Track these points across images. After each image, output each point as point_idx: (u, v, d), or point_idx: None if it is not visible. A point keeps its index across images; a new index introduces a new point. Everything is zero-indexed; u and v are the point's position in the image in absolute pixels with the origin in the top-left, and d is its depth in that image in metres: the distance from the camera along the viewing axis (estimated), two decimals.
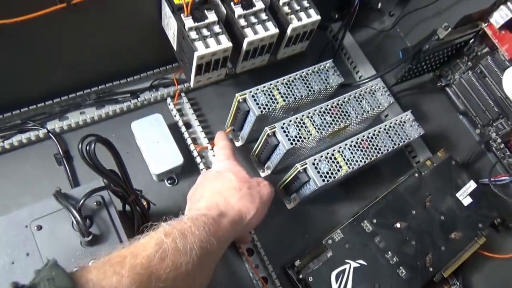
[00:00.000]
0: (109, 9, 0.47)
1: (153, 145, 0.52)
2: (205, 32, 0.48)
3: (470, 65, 0.66)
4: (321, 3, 0.55)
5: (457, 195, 0.59)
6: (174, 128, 0.56)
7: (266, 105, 0.51)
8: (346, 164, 0.51)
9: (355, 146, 0.52)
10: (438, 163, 0.61)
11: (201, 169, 0.54)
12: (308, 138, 0.50)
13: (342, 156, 0.51)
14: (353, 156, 0.52)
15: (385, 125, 0.55)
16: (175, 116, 0.57)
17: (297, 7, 0.53)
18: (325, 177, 0.49)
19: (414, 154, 0.64)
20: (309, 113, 0.52)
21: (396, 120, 0.56)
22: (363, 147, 0.53)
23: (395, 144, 0.54)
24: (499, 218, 0.61)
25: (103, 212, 0.38)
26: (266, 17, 0.51)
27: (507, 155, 0.66)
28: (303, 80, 0.54)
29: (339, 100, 0.54)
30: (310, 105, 0.55)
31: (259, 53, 0.53)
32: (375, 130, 0.54)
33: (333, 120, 0.53)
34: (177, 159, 0.52)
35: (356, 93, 0.56)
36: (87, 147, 0.35)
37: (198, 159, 0.55)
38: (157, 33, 0.54)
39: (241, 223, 0.42)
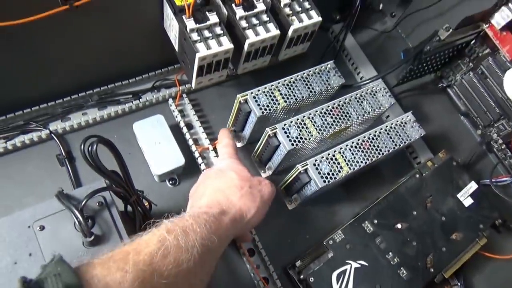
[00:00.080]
0: (111, 11, 0.48)
1: (154, 146, 0.53)
2: (206, 33, 0.48)
3: (471, 66, 0.66)
4: (323, 4, 0.55)
5: (458, 196, 0.59)
6: (175, 129, 0.56)
7: (267, 106, 0.51)
8: (347, 165, 0.51)
9: (356, 147, 0.52)
10: (439, 164, 0.61)
11: (203, 170, 0.55)
12: (309, 139, 0.51)
13: (343, 157, 0.51)
14: (354, 157, 0.52)
15: (386, 126, 0.55)
16: (176, 117, 0.58)
17: (298, 9, 0.53)
18: (326, 178, 0.49)
19: (415, 155, 0.65)
20: (310, 114, 0.52)
21: (397, 121, 0.56)
22: (364, 148, 0.53)
23: (396, 145, 0.54)
24: (500, 219, 0.61)
25: (105, 213, 0.38)
26: (267, 19, 0.51)
27: (508, 156, 0.66)
28: (304, 81, 0.54)
29: (340, 101, 0.54)
30: (311, 106, 0.55)
31: (261, 54, 0.54)
32: (376, 131, 0.54)
33: (334, 121, 0.53)
34: (179, 160, 0.52)
35: (357, 94, 0.56)
36: (89, 148, 0.35)
37: (200, 160, 0.55)
38: (159, 35, 0.54)
39: (241, 221, 0.42)
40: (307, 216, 0.57)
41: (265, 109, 0.50)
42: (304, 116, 0.52)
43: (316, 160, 0.50)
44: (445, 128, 0.70)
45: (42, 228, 0.36)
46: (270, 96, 0.51)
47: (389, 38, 0.71)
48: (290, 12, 0.52)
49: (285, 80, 0.53)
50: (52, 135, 0.52)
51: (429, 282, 0.54)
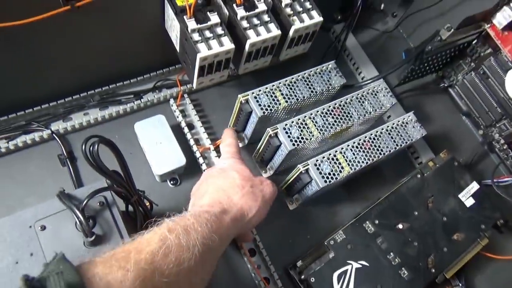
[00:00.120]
0: (112, 11, 0.48)
1: (156, 146, 0.53)
2: (207, 33, 0.48)
3: (473, 66, 0.66)
4: (324, 4, 0.55)
5: (460, 196, 0.59)
6: (177, 129, 0.56)
7: (269, 106, 0.51)
8: (348, 165, 0.51)
9: (357, 147, 0.52)
10: (441, 164, 0.61)
11: (204, 170, 0.55)
12: (310, 139, 0.51)
13: (344, 157, 0.51)
14: (355, 157, 0.52)
15: (388, 126, 0.55)
16: (178, 117, 0.58)
17: (299, 9, 0.53)
18: (327, 178, 0.49)
19: (417, 155, 0.64)
20: (311, 114, 0.52)
21: (399, 121, 0.56)
22: (365, 148, 0.53)
23: (397, 145, 0.54)
24: (502, 219, 0.61)
25: (106, 213, 0.38)
26: (269, 19, 0.51)
27: (510, 156, 0.66)
28: (305, 81, 0.54)
29: (341, 101, 0.54)
30: (312, 106, 0.55)
31: (262, 54, 0.54)
32: (377, 131, 0.54)
33: (335, 121, 0.53)
34: (180, 160, 0.52)
35: (358, 94, 0.56)
36: (90, 148, 0.35)
37: (201, 160, 0.55)
38: (160, 35, 0.54)
39: (242, 221, 0.43)
40: (308, 216, 0.57)
41: (266, 109, 0.50)
42: (305, 116, 0.51)
43: (317, 160, 0.50)
44: (447, 128, 0.69)
45: (43, 228, 0.36)
46: (271, 96, 0.51)
47: (390, 38, 0.71)
48: (291, 12, 0.52)
49: (286, 80, 0.53)
50: (54, 135, 0.52)
51: (431, 282, 0.54)
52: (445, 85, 0.71)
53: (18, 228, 0.35)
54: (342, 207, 0.59)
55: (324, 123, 0.52)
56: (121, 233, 0.37)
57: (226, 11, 0.50)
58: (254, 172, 0.57)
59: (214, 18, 0.48)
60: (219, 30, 0.49)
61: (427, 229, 0.56)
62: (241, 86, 0.62)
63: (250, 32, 0.50)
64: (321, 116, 0.52)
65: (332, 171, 0.50)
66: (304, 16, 0.53)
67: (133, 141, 0.55)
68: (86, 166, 0.36)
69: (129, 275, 0.29)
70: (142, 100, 0.57)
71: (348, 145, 0.52)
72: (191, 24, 0.47)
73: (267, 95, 0.51)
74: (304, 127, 0.51)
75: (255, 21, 0.50)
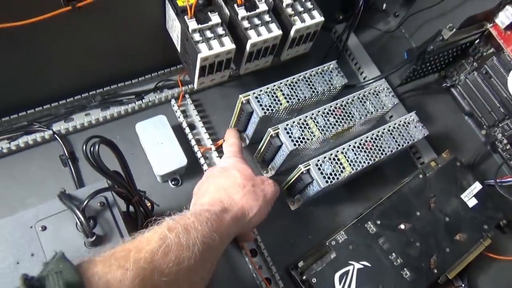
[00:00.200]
0: (113, 12, 0.48)
1: (157, 146, 0.53)
2: (208, 34, 0.48)
3: (476, 65, 0.66)
4: (325, 4, 0.55)
5: (462, 196, 0.59)
6: (178, 130, 0.56)
7: (270, 106, 0.51)
8: (350, 165, 0.51)
9: (358, 147, 0.52)
10: (443, 164, 0.61)
11: (205, 170, 0.55)
12: (312, 139, 0.50)
13: (345, 157, 0.51)
14: (357, 157, 0.51)
15: (389, 126, 0.55)
16: (179, 117, 0.58)
17: (300, 9, 0.53)
18: (329, 178, 0.49)
19: (419, 155, 0.64)
20: (312, 114, 0.52)
21: (401, 121, 0.56)
22: (367, 148, 0.52)
23: (399, 145, 0.54)
24: (505, 220, 0.60)
25: (107, 213, 0.38)
26: (270, 19, 0.51)
27: None
28: (306, 81, 0.54)
29: (343, 101, 0.54)
30: (313, 106, 0.55)
31: (263, 54, 0.54)
32: (379, 131, 0.54)
33: (336, 121, 0.53)
34: (181, 160, 0.52)
35: (360, 94, 0.56)
36: (91, 149, 0.35)
37: (202, 160, 0.55)
38: (161, 35, 0.54)
39: (243, 220, 0.42)
40: (310, 216, 0.57)
41: (267, 109, 0.50)
42: (306, 116, 0.51)
43: (318, 161, 0.50)
44: (449, 128, 0.69)
45: (44, 228, 0.36)
46: (272, 96, 0.51)
47: (392, 38, 0.71)
48: (292, 12, 0.52)
49: (287, 80, 0.53)
50: (55, 135, 0.52)
51: (433, 283, 0.53)
52: (448, 85, 0.71)
53: (20, 228, 0.36)
54: (344, 208, 0.59)
55: (326, 123, 0.52)
56: (121, 234, 0.37)
57: (227, 11, 0.50)
58: (256, 172, 0.57)
59: (215, 18, 0.48)
60: (220, 30, 0.48)
61: (429, 229, 0.56)
62: (242, 86, 0.62)
63: (251, 32, 0.50)
64: (322, 116, 0.52)
65: (333, 171, 0.50)
66: (305, 16, 0.53)
67: (135, 141, 0.55)
68: (88, 166, 0.36)
69: (128, 274, 0.29)
70: (143, 100, 0.57)
71: (349, 145, 0.52)
72: (192, 24, 0.47)
73: (268, 95, 0.51)
74: (305, 127, 0.51)
75: (256, 21, 0.50)
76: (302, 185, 0.52)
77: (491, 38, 0.62)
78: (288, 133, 0.50)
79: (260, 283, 0.51)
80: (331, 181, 0.49)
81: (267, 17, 0.51)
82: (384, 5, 0.72)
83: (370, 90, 0.57)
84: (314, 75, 0.55)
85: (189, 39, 0.47)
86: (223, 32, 0.49)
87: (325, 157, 0.50)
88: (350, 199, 0.59)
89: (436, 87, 0.72)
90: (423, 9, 0.63)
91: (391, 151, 0.53)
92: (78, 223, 0.35)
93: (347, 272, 0.51)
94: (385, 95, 0.57)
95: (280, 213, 0.55)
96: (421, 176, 0.59)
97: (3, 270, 0.34)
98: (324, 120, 0.52)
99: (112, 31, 0.50)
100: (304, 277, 0.50)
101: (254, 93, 0.51)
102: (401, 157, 0.63)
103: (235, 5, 0.50)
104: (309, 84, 0.54)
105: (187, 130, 0.57)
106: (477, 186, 0.60)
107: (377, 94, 0.57)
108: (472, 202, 0.59)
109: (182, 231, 0.34)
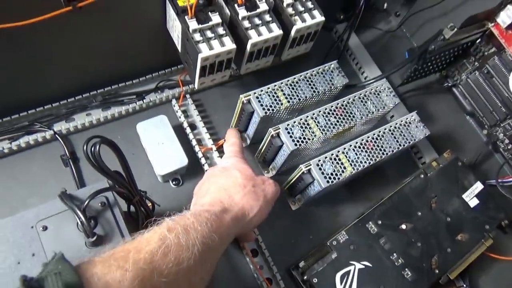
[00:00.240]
0: (114, 12, 0.48)
1: (158, 146, 0.53)
2: (209, 34, 0.48)
3: (477, 65, 0.66)
4: (326, 4, 0.55)
5: (464, 196, 0.59)
6: (179, 130, 0.56)
7: (271, 106, 0.51)
8: (351, 165, 0.51)
9: (359, 147, 0.52)
10: (444, 164, 0.61)
11: (206, 170, 0.55)
12: (313, 139, 0.50)
13: (346, 157, 0.51)
14: (358, 157, 0.51)
15: (390, 126, 0.55)
16: (180, 117, 0.58)
17: (301, 9, 0.53)
18: (330, 178, 0.49)
19: (420, 155, 0.64)
20: (313, 114, 0.52)
21: (402, 121, 0.56)
22: (368, 148, 0.52)
23: (400, 145, 0.54)
24: (507, 220, 0.60)
25: (108, 213, 0.38)
26: (270, 19, 0.51)
27: None
28: (307, 81, 0.54)
29: (343, 101, 0.54)
30: (314, 106, 0.55)
31: (263, 54, 0.54)
32: (380, 131, 0.54)
33: (337, 121, 0.53)
34: (182, 160, 0.52)
35: (361, 94, 0.55)
36: (92, 149, 0.35)
37: (203, 160, 0.55)
38: (162, 35, 0.54)
39: (243, 220, 0.42)
40: (311, 216, 0.57)
41: (268, 109, 0.50)
42: (307, 116, 0.51)
43: (319, 161, 0.50)
44: (451, 128, 0.69)
45: (45, 228, 0.36)
46: (273, 96, 0.51)
47: (393, 38, 0.71)
48: (293, 12, 0.52)
49: (288, 80, 0.53)
50: (56, 135, 0.53)
51: (434, 283, 0.53)
52: (449, 84, 0.71)
53: (21, 228, 0.36)
54: (345, 208, 0.58)
55: (327, 123, 0.52)
56: (122, 234, 0.37)
57: (227, 11, 0.50)
58: (257, 172, 0.57)
59: (216, 18, 0.48)
60: (221, 30, 0.48)
61: (431, 229, 0.56)
62: (243, 86, 0.62)
63: (252, 32, 0.50)
64: (323, 116, 0.52)
65: (334, 171, 0.50)
66: (306, 15, 0.53)
67: (135, 141, 0.55)
68: (89, 166, 0.36)
69: (128, 275, 0.29)
70: (144, 100, 0.57)
71: (350, 145, 0.52)
72: (193, 24, 0.47)
73: (269, 95, 0.51)
74: (306, 127, 0.51)
75: (257, 21, 0.50)
76: (303, 185, 0.52)
77: (492, 37, 0.62)
78: (289, 133, 0.50)
79: (261, 283, 0.51)
80: (332, 181, 0.49)
81: (267, 17, 0.51)
82: (385, 5, 0.71)
83: (371, 90, 0.56)
84: (315, 75, 0.55)
85: (190, 39, 0.47)
86: (224, 32, 0.49)
87: (326, 157, 0.50)
88: (351, 199, 0.59)
89: (438, 87, 0.72)
90: (424, 9, 0.63)
91: (392, 151, 0.53)
92: (79, 223, 0.35)
93: (348, 272, 0.51)
94: (386, 95, 0.57)
95: (281, 213, 0.55)
96: (422, 176, 0.59)
97: (4, 270, 0.34)
98: (325, 120, 0.52)
99: (113, 31, 0.50)
100: (305, 277, 0.50)
101: (255, 93, 0.51)
102: (402, 157, 0.63)
103: (236, 5, 0.50)
104: (310, 84, 0.54)
105: (188, 130, 0.57)
106: (478, 186, 0.60)
107: (378, 94, 0.57)
108: (473, 202, 0.59)
109: (181, 232, 0.34)
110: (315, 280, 0.50)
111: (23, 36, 0.44)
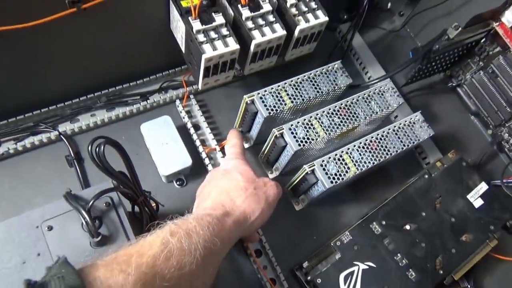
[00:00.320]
0: (118, 13, 0.48)
1: (162, 146, 0.53)
2: (212, 34, 0.48)
3: (482, 65, 0.66)
4: (330, 4, 0.55)
5: (468, 196, 0.59)
6: (183, 130, 0.56)
7: (274, 106, 0.51)
8: (355, 165, 0.51)
9: (363, 147, 0.52)
10: (449, 164, 0.60)
11: (210, 171, 0.55)
12: (316, 139, 0.50)
13: (350, 157, 0.51)
14: (362, 158, 0.51)
15: (395, 126, 0.55)
16: (184, 118, 0.58)
17: (304, 9, 0.53)
18: (333, 178, 0.49)
19: (424, 155, 0.64)
20: (317, 114, 0.52)
21: (406, 121, 0.56)
22: (372, 149, 0.52)
23: (404, 145, 0.54)
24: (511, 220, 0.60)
25: (112, 213, 0.38)
26: (274, 19, 0.51)
27: None
28: (311, 81, 0.54)
29: (347, 101, 0.54)
30: (318, 106, 0.55)
31: (267, 55, 0.54)
32: (384, 131, 0.54)
33: (341, 122, 0.53)
34: (186, 161, 0.53)
35: (365, 94, 0.55)
36: (97, 149, 0.35)
37: (207, 161, 0.55)
38: (166, 36, 0.54)
39: (245, 224, 0.42)
40: (315, 217, 0.57)
41: (272, 110, 0.50)
42: (311, 117, 0.51)
43: (323, 161, 0.50)
44: (455, 128, 0.69)
45: (50, 228, 0.36)
46: (277, 96, 0.51)
47: (397, 37, 0.71)
48: (297, 12, 0.52)
49: (291, 81, 0.53)
50: (61, 136, 0.53)
51: (438, 284, 0.53)
52: (453, 84, 0.70)
53: (26, 228, 0.36)
54: (349, 208, 0.58)
55: (330, 124, 0.52)
56: (127, 234, 0.38)
57: (231, 11, 0.50)
58: (260, 173, 0.57)
59: (219, 19, 0.48)
60: (224, 31, 0.49)
61: (435, 230, 0.55)
62: (246, 87, 0.62)
63: (255, 33, 0.50)
64: (327, 116, 0.52)
65: (338, 171, 0.49)
66: (310, 16, 0.53)
67: (139, 142, 0.55)
68: (93, 167, 0.36)
69: (130, 279, 0.29)
70: (148, 101, 0.58)
71: (354, 146, 0.52)
72: (196, 25, 0.47)
73: (272, 96, 0.51)
74: (310, 128, 0.51)
75: (260, 21, 0.50)
76: (306, 186, 0.52)
77: (497, 37, 0.61)
78: (292, 133, 0.50)
79: (265, 284, 0.51)
80: (336, 182, 0.49)
81: (271, 17, 0.51)
82: (389, 4, 0.71)
83: (375, 90, 0.56)
84: (319, 75, 0.55)
85: (194, 40, 0.47)
86: (227, 32, 0.49)
87: (329, 158, 0.50)
88: (355, 200, 0.59)
89: (442, 87, 0.72)
90: (428, 8, 0.63)
91: (396, 151, 0.53)
92: (84, 223, 0.35)
93: (352, 273, 0.51)
94: (390, 95, 0.57)
95: (284, 214, 0.55)
96: (426, 176, 0.59)
97: (9, 270, 0.34)
98: (329, 120, 0.52)
99: (117, 32, 0.51)
100: (309, 278, 0.50)
101: (258, 93, 0.51)
102: (407, 157, 0.63)
103: (239, 6, 0.50)
104: (313, 84, 0.54)
105: (192, 130, 0.57)
106: (483, 187, 0.60)
107: (382, 94, 0.56)
108: (478, 203, 0.59)
109: (184, 236, 0.34)
110: (319, 280, 0.50)
111: (28, 38, 0.44)
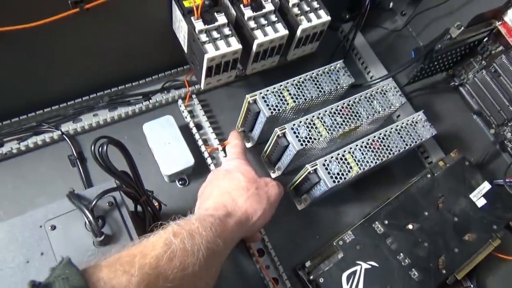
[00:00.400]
0: (120, 13, 0.48)
1: (164, 146, 0.53)
2: (215, 34, 0.48)
3: (484, 64, 0.65)
4: (332, 4, 0.55)
5: (471, 196, 0.59)
6: (185, 130, 0.56)
7: (276, 106, 0.51)
8: (357, 165, 0.51)
9: (366, 147, 0.52)
10: (451, 163, 0.60)
11: (211, 171, 0.55)
12: (319, 139, 0.50)
13: (353, 157, 0.51)
14: (364, 157, 0.51)
15: (397, 126, 0.55)
16: (186, 117, 0.58)
17: (306, 8, 0.53)
18: (336, 178, 0.49)
19: (427, 155, 0.64)
20: (319, 114, 0.52)
21: (408, 121, 0.56)
22: (374, 148, 0.52)
23: (406, 144, 0.54)
24: None
25: (115, 213, 0.38)
26: (276, 19, 0.51)
27: None
28: (313, 81, 0.54)
29: (350, 101, 0.54)
30: (320, 106, 0.55)
31: (269, 54, 0.54)
32: (386, 131, 0.54)
33: (343, 121, 0.53)
34: (188, 160, 0.53)
35: (367, 94, 0.55)
36: (99, 149, 0.35)
37: (209, 160, 0.55)
38: (168, 36, 0.54)
39: (247, 224, 0.42)
40: (317, 216, 0.57)
41: (274, 109, 0.50)
42: (313, 116, 0.51)
43: (325, 160, 0.50)
44: (457, 127, 0.69)
45: (53, 227, 0.36)
46: (279, 96, 0.51)
47: (399, 37, 0.71)
48: (299, 11, 0.52)
49: (294, 80, 0.53)
50: (64, 136, 0.53)
51: (441, 283, 0.53)
52: (456, 83, 0.70)
53: (29, 228, 0.36)
54: (351, 207, 0.58)
55: (333, 123, 0.52)
56: (130, 233, 0.38)
57: (233, 11, 0.50)
58: (262, 173, 0.57)
59: (221, 19, 0.48)
60: (227, 31, 0.49)
61: (438, 229, 0.55)
62: (249, 86, 0.62)
63: (258, 32, 0.50)
64: (329, 115, 0.52)
65: (340, 171, 0.49)
66: (312, 15, 0.53)
67: (142, 141, 0.55)
68: (96, 166, 0.36)
69: (133, 280, 0.29)
70: (150, 101, 0.58)
71: (357, 145, 0.52)
72: (199, 25, 0.47)
73: (275, 95, 0.51)
74: (312, 127, 0.51)
75: (263, 21, 0.50)
76: (309, 185, 0.52)
77: (499, 36, 0.61)
78: (295, 133, 0.50)
79: (267, 283, 0.51)
80: (338, 181, 0.49)
81: (273, 17, 0.51)
82: (391, 4, 0.71)
83: (377, 89, 0.56)
84: (321, 75, 0.55)
85: (196, 40, 0.47)
86: (230, 32, 0.49)
87: (332, 157, 0.50)
88: (358, 199, 0.59)
89: (444, 86, 0.72)
90: (430, 8, 0.63)
91: (399, 150, 0.53)
92: (87, 222, 0.35)
93: (354, 272, 0.51)
94: (393, 94, 0.57)
95: (287, 213, 0.55)
96: (429, 175, 0.59)
97: (13, 269, 0.34)
98: (331, 120, 0.52)
99: (119, 32, 0.51)
100: (311, 277, 0.50)
101: (260, 93, 0.51)
102: (409, 156, 0.63)
103: (241, 5, 0.50)
104: (316, 84, 0.54)
105: (194, 130, 0.57)
106: (486, 186, 0.60)
107: (385, 93, 0.56)
108: (481, 202, 0.58)
109: (187, 237, 0.34)
110: (321, 280, 0.50)
111: (31, 38, 0.44)
